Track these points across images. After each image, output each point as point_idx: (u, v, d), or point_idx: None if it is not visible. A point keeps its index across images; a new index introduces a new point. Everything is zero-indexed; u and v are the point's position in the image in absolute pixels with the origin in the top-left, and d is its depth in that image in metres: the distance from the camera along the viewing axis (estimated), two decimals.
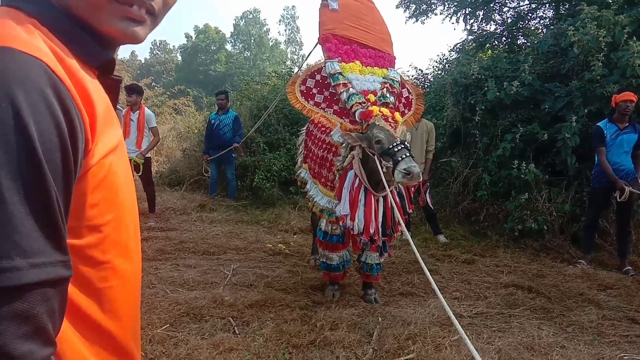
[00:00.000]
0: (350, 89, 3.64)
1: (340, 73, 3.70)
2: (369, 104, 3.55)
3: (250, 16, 45.62)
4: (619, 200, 4.93)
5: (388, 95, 3.71)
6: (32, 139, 0.55)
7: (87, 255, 0.69)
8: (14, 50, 0.58)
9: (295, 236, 6.14)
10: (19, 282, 0.54)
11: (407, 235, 2.58)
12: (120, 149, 0.76)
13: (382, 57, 4.00)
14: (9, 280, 0.53)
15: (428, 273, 1.94)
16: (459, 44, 12.15)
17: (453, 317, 1.70)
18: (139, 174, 6.09)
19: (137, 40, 0.77)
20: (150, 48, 47.55)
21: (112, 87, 0.79)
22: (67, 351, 0.67)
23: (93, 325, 0.72)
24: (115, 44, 0.81)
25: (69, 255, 0.61)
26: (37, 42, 0.62)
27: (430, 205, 6.07)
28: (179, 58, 45.32)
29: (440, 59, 11.96)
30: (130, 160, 5.76)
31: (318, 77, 3.78)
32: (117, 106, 0.86)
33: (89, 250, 0.70)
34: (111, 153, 0.71)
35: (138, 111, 6.15)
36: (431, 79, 11.36)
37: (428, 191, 6.04)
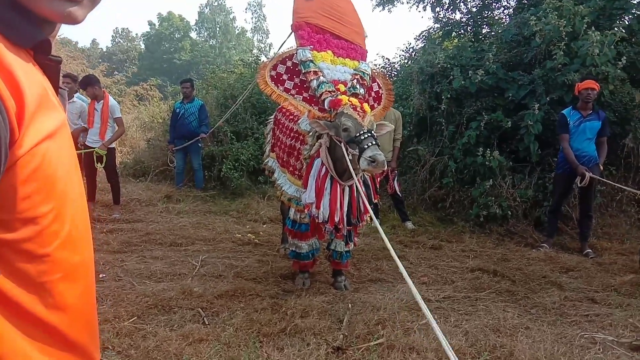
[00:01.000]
0: (321, 77, 3.62)
1: (311, 61, 3.67)
2: (339, 93, 3.54)
3: (216, 3, 44.81)
4: (579, 185, 5.09)
5: (358, 86, 3.71)
6: None
7: (23, 249, 0.66)
8: None
9: (264, 226, 6.11)
10: None
11: (376, 222, 2.59)
12: (61, 134, 0.71)
13: (354, 50, 4.00)
14: None
15: (397, 259, 1.95)
16: (425, 32, 12.24)
17: (421, 301, 1.72)
18: (102, 165, 5.92)
19: (74, 21, 0.73)
20: (112, 36, 46.25)
21: (51, 68, 0.75)
22: (7, 350, 0.64)
23: (35, 321, 0.69)
24: (52, 25, 0.76)
25: None
26: None
27: (398, 193, 6.13)
28: (142, 46, 44.17)
29: (407, 47, 12.05)
30: (92, 151, 5.54)
31: (289, 63, 3.75)
32: (61, 87, 0.82)
33: (24, 244, 0.66)
34: (47, 140, 0.67)
35: (102, 101, 5.96)
36: (398, 68, 11.43)
37: (396, 179, 6.10)
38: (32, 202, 0.66)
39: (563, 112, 5.35)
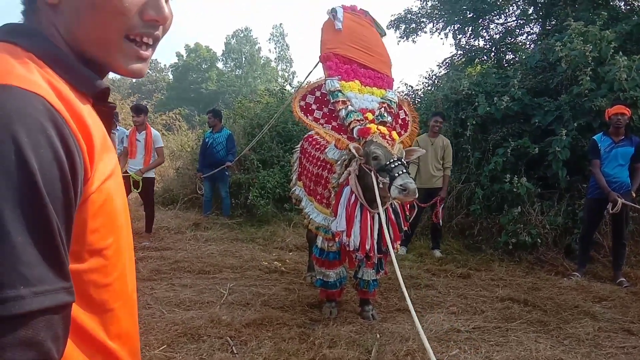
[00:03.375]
0: (349, 107, 3.69)
1: (339, 91, 3.75)
2: (367, 121, 3.60)
3: (242, 35, 45.95)
4: (611, 212, 4.99)
5: (386, 114, 3.77)
6: (33, 172, 0.58)
7: (90, 279, 0.71)
8: (14, 88, 0.61)
9: (290, 253, 6.13)
10: (23, 310, 0.56)
11: (393, 255, 2.59)
12: (116, 173, 0.78)
13: (381, 79, 4.09)
14: (15, 309, 0.55)
15: (405, 290, 1.92)
16: (447, 59, 12.33)
17: (422, 332, 1.72)
18: (139, 190, 6.09)
19: (139, 75, 0.81)
20: None
21: (106, 114, 0.82)
22: None
23: (99, 347, 0.74)
24: (107, 72, 0.84)
25: (71, 282, 0.63)
26: (34, 78, 0.65)
27: (440, 221, 6.13)
28: (170, 77, 45.45)
29: (429, 75, 12.12)
30: (128, 176, 5.71)
31: (318, 93, 3.85)
32: (112, 131, 0.89)
33: (91, 274, 0.71)
34: (109, 179, 0.73)
35: (144, 131, 6.15)
36: (421, 95, 11.49)
37: (442, 207, 6.11)
38: (99, 235, 0.71)
39: (594, 137, 5.29)
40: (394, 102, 3.98)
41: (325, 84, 3.83)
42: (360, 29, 4.26)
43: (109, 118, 0.83)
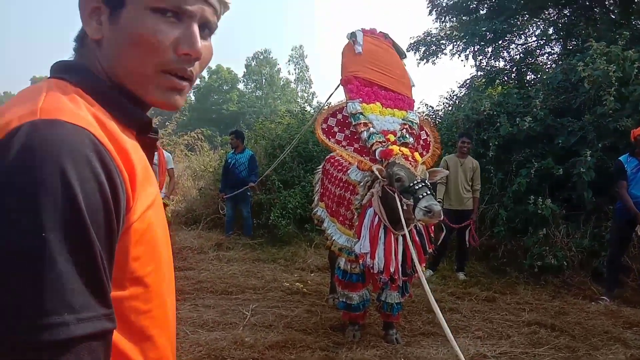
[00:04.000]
0: (371, 129, 3.72)
1: (361, 113, 3.79)
2: (389, 143, 3.62)
3: (262, 56, 46.69)
4: (639, 234, 4.89)
5: (407, 136, 3.79)
6: (78, 203, 0.61)
7: (131, 306, 0.73)
8: (63, 122, 0.65)
9: (312, 274, 6.12)
10: (68, 336, 0.58)
11: (421, 274, 2.58)
12: (157, 203, 0.81)
13: (402, 100, 4.12)
14: (59, 335, 0.58)
15: (439, 312, 1.90)
16: (468, 80, 12.31)
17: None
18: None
19: (177, 108, 0.84)
20: None
21: (148, 145, 0.85)
22: None
23: None
24: (150, 106, 0.87)
25: (113, 309, 0.66)
26: (81, 112, 0.69)
27: (469, 243, 6.08)
28: (192, 98, 46.29)
29: (450, 95, 12.11)
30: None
31: (339, 116, 3.89)
32: (154, 162, 0.92)
33: (132, 301, 0.74)
34: (150, 208, 0.76)
35: (156, 152, 6.28)
36: (442, 115, 11.47)
37: (469, 229, 6.07)
38: (140, 263, 0.74)
39: (620, 158, 5.21)
40: (415, 123, 4.00)
41: (346, 106, 3.88)
42: (380, 52, 4.32)
43: (151, 149, 0.87)
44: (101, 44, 0.80)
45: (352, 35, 4.19)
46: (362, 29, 4.30)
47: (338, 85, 4.12)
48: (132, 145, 0.76)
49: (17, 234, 0.58)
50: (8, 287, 0.58)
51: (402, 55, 4.62)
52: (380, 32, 4.49)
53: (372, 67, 4.13)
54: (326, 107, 4.30)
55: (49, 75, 0.80)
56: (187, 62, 0.81)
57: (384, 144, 3.63)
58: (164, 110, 0.87)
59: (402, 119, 3.95)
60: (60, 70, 0.78)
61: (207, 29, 0.84)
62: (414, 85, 4.44)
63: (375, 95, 3.99)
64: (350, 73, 4.02)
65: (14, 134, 0.62)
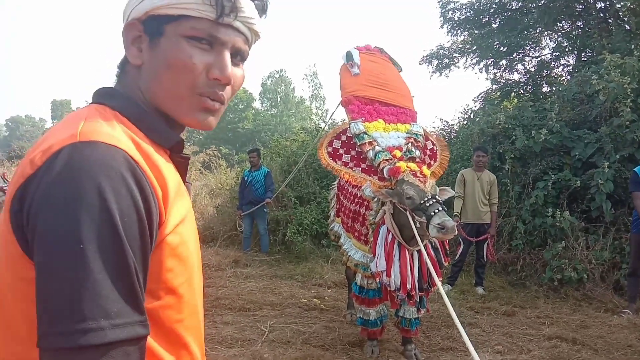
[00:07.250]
0: (376, 147, 3.70)
1: (365, 132, 3.76)
2: (396, 160, 3.59)
3: (277, 75, 47.21)
4: None
5: (413, 149, 3.76)
6: (114, 217, 0.67)
7: (165, 316, 0.78)
8: (99, 143, 0.71)
9: (329, 290, 6.12)
10: (103, 341, 0.63)
11: (440, 288, 2.57)
12: (189, 217, 0.86)
13: (404, 113, 4.10)
14: (95, 339, 0.63)
15: (460, 326, 1.89)
16: (482, 94, 12.31)
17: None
18: None
19: (209, 128, 0.90)
20: None
21: (181, 164, 0.91)
22: None
23: None
24: (184, 126, 0.93)
25: (146, 316, 0.70)
26: (117, 134, 0.75)
27: (486, 257, 6.04)
28: None
29: (465, 109, 12.10)
30: None
31: (344, 137, 3.86)
32: (187, 181, 0.98)
33: (166, 311, 0.78)
34: (182, 222, 0.81)
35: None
36: (457, 129, 11.46)
37: (486, 243, 6.04)
38: (174, 274, 0.79)
39: (635, 169, 5.16)
40: (420, 135, 3.97)
41: (349, 127, 3.85)
42: (376, 67, 4.30)
43: (184, 167, 0.93)
44: (141, 69, 0.87)
45: (349, 56, 4.18)
46: (356, 46, 4.32)
47: (337, 106, 4.14)
48: (165, 164, 0.82)
49: (58, 245, 0.64)
50: (48, 293, 0.64)
51: (399, 68, 4.61)
52: (375, 47, 4.50)
53: (371, 84, 4.12)
54: (329, 130, 4.27)
55: (91, 101, 0.87)
56: (219, 87, 0.87)
57: (390, 161, 3.60)
58: (198, 130, 0.93)
59: (407, 133, 3.92)
60: (101, 96, 0.86)
61: (239, 56, 0.90)
62: (413, 96, 4.43)
63: (377, 112, 3.98)
64: (350, 93, 4.00)
65: (57, 156, 0.69)
